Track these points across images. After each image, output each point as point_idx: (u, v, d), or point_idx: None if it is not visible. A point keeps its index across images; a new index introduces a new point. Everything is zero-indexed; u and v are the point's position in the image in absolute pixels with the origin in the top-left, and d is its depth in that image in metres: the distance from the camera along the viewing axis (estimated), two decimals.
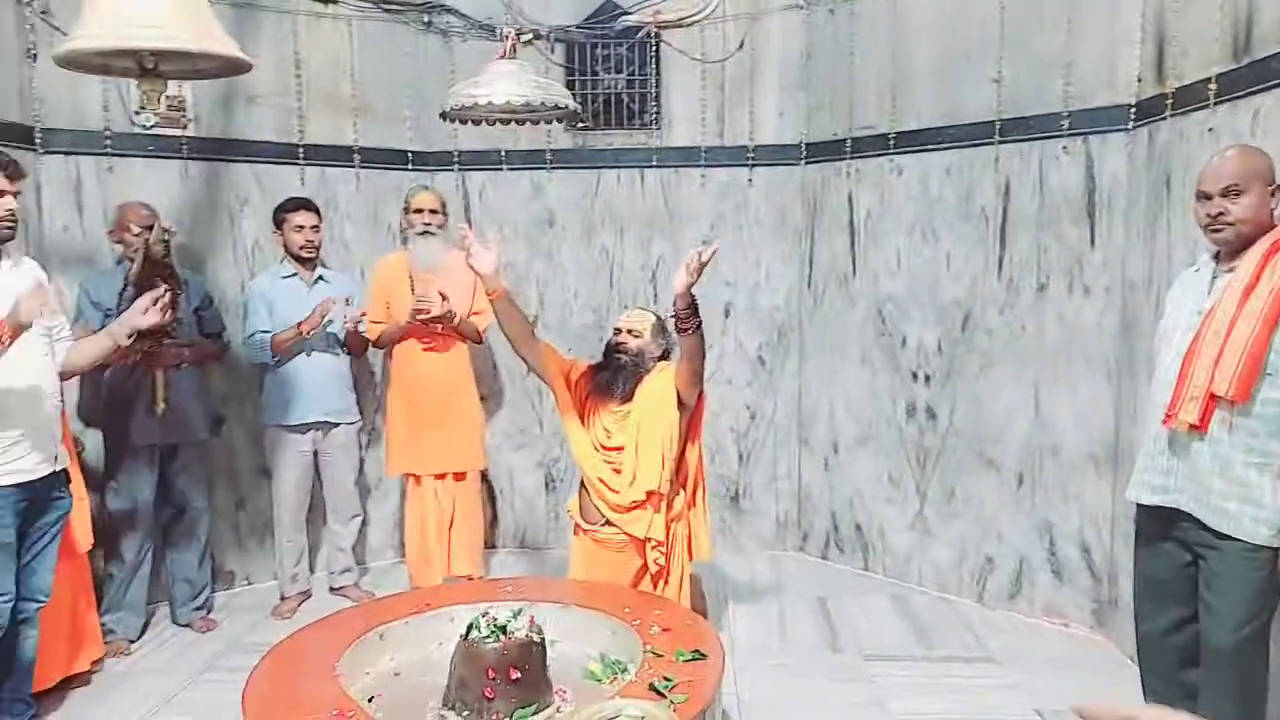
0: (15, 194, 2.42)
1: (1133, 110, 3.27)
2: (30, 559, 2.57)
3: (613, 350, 3.04)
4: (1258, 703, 2.23)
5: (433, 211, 3.70)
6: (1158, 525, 2.33)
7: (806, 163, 4.33)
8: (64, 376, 2.66)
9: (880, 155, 4.01)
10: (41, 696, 2.84)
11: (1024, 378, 3.63)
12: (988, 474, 3.77)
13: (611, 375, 3.00)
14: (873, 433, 4.15)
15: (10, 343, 2.34)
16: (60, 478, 2.61)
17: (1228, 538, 2.15)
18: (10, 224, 2.42)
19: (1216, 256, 2.28)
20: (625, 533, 2.97)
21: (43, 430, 2.52)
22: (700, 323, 2.84)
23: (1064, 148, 3.47)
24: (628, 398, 2.99)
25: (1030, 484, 3.64)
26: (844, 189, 4.17)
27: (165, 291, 2.69)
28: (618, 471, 2.98)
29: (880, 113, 3.99)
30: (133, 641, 3.42)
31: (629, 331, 3.03)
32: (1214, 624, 2.20)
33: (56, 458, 2.57)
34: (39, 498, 2.54)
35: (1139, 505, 2.39)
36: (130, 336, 2.58)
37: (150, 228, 3.19)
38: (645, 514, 2.95)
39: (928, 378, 3.94)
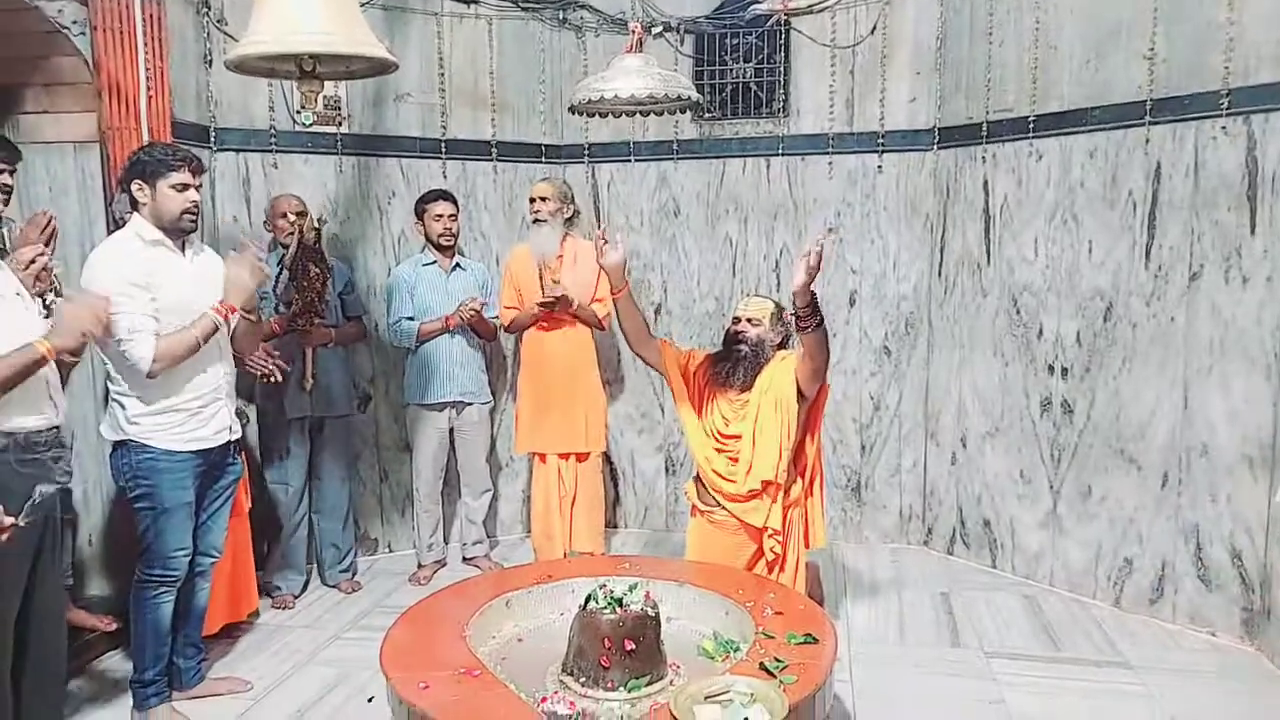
0: (198, 187, 2.69)
1: None
2: (206, 519, 2.85)
3: (732, 339, 3.07)
4: None
5: (543, 199, 3.81)
6: None
7: (939, 148, 4.21)
8: (236, 350, 2.93)
9: (1019, 139, 3.86)
10: (208, 642, 3.16)
11: (1171, 373, 3.43)
12: (1128, 473, 3.58)
13: (732, 365, 3.03)
14: (1004, 426, 4.02)
15: (232, 318, 2.67)
16: (234, 446, 2.89)
17: None
18: (194, 214, 2.69)
19: None
20: (740, 521, 3.01)
21: (221, 402, 2.80)
22: (821, 320, 2.82)
23: (1223, 128, 3.24)
24: (747, 387, 3.02)
25: (1175, 484, 3.44)
26: (979, 174, 4.04)
27: (314, 273, 2.94)
28: (734, 460, 3.01)
29: (1020, 95, 3.84)
30: (296, 597, 3.74)
31: (748, 320, 3.05)
32: None
33: (231, 428, 2.85)
34: (215, 464, 2.81)
35: None
36: (250, 310, 2.79)
37: (302, 215, 3.48)
38: (762, 504, 2.98)
39: (1065, 370, 3.77)
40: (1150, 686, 2.97)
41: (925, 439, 4.38)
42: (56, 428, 2.32)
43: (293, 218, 3.49)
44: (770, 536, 2.99)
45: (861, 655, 3.19)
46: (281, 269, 3.48)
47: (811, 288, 2.75)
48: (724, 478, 3.03)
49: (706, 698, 2.15)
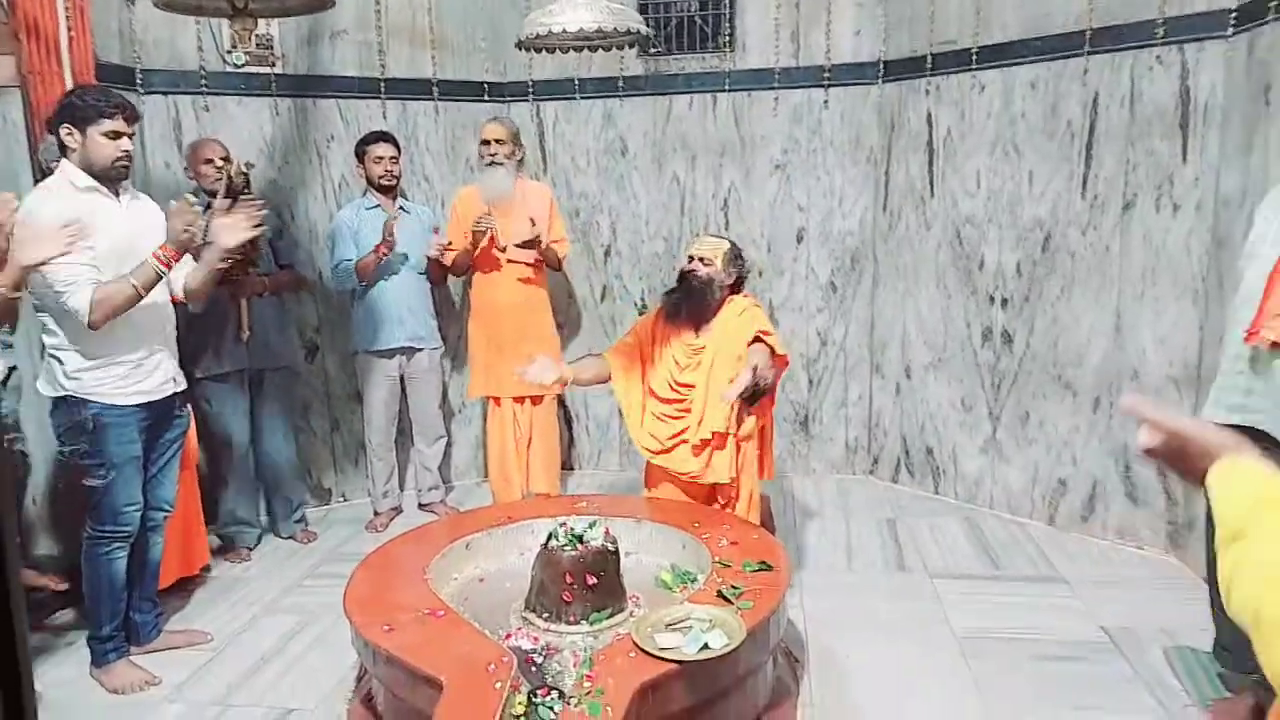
0: (131, 135, 2.59)
1: (1233, 16, 3.10)
2: (155, 472, 2.81)
3: (686, 279, 3.08)
4: None
5: (499, 142, 3.75)
6: None
7: (884, 81, 4.23)
8: (189, 299, 2.84)
9: (962, 71, 3.89)
10: (162, 596, 3.13)
11: (1106, 300, 3.55)
12: (1064, 398, 3.73)
13: (683, 297, 3.05)
14: (946, 357, 4.13)
15: (175, 263, 2.58)
16: (179, 398, 2.83)
17: None
18: (126, 163, 2.59)
19: None
20: (690, 478, 3.05)
21: (164, 353, 2.74)
22: (767, 387, 2.91)
23: (1157, 57, 3.31)
24: (701, 323, 3.04)
25: (1107, 407, 3.59)
26: (923, 107, 4.07)
27: (259, 207, 2.85)
28: (687, 410, 3.04)
29: (962, 27, 3.86)
30: (250, 549, 3.72)
31: (700, 259, 3.06)
32: None
33: (175, 379, 2.79)
34: (161, 416, 2.77)
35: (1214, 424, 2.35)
36: (225, 260, 2.75)
37: (227, 160, 3.35)
38: (713, 461, 3.00)
39: (1005, 301, 3.88)
40: (1083, 599, 3.14)
41: (870, 372, 4.49)
42: None
43: (218, 163, 3.36)
44: (720, 490, 3.05)
45: (812, 582, 3.31)
46: (211, 218, 3.37)
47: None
48: (664, 450, 3.05)
49: (667, 626, 2.22)
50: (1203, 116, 3.23)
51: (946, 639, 2.89)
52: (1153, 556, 3.47)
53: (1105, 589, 3.20)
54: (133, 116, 2.58)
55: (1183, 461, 0.99)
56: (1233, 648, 2.44)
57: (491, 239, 3.72)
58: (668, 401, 3.07)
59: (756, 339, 2.96)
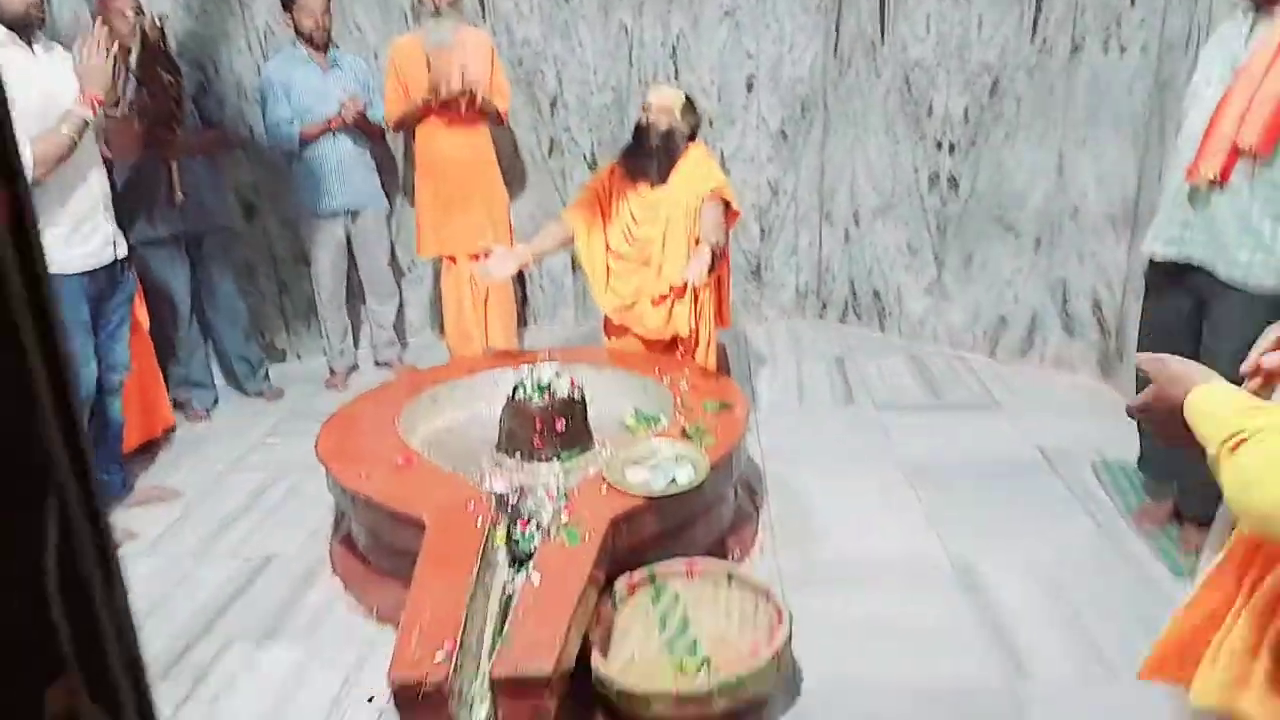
0: None
1: None
2: (105, 337, 2.76)
3: (642, 131, 3.03)
4: None
5: None
6: (1170, 277, 2.43)
7: None
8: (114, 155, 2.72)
9: None
10: (128, 459, 3.14)
11: (1049, 142, 3.61)
12: (1006, 239, 3.84)
13: (644, 158, 3.01)
14: (894, 203, 4.19)
15: (99, 109, 2.44)
16: (121, 264, 2.75)
17: (1235, 287, 2.25)
18: (40, 11, 2.43)
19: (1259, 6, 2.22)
20: (648, 334, 3.10)
21: (100, 214, 2.63)
22: (717, 253, 2.91)
23: None
24: (661, 180, 3.01)
25: (1048, 246, 3.72)
26: None
27: (165, 79, 2.70)
28: (646, 264, 3.05)
29: None
30: (209, 410, 3.71)
31: (658, 109, 3.01)
32: (1214, 366, 2.34)
33: (115, 243, 2.70)
34: (105, 283, 2.70)
35: (1152, 260, 2.47)
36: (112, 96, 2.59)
37: (139, 13, 3.13)
38: (675, 306, 3.04)
39: (952, 146, 3.91)
40: (1020, 423, 3.35)
41: (820, 219, 4.53)
42: None
43: (130, 16, 3.12)
44: (680, 343, 3.11)
45: (767, 420, 3.46)
46: (128, 77, 3.17)
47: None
48: (627, 308, 3.07)
49: (636, 463, 2.33)
50: None
51: (893, 465, 3.07)
52: (1085, 383, 3.69)
53: (1041, 414, 3.41)
54: None
55: (1161, 400, 1.00)
56: (1153, 458, 2.66)
57: (470, 100, 3.57)
58: (626, 258, 3.09)
59: (713, 194, 2.95)
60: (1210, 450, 0.88)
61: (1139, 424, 2.38)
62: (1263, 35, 2.16)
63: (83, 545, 0.41)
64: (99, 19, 3.23)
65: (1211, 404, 0.92)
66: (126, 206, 3.35)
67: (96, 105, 2.44)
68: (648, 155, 3.01)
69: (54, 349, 0.40)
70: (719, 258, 2.96)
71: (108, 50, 2.45)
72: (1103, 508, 2.76)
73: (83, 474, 0.41)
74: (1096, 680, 2.05)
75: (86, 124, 2.43)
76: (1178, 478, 2.55)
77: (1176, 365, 1.00)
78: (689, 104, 3.06)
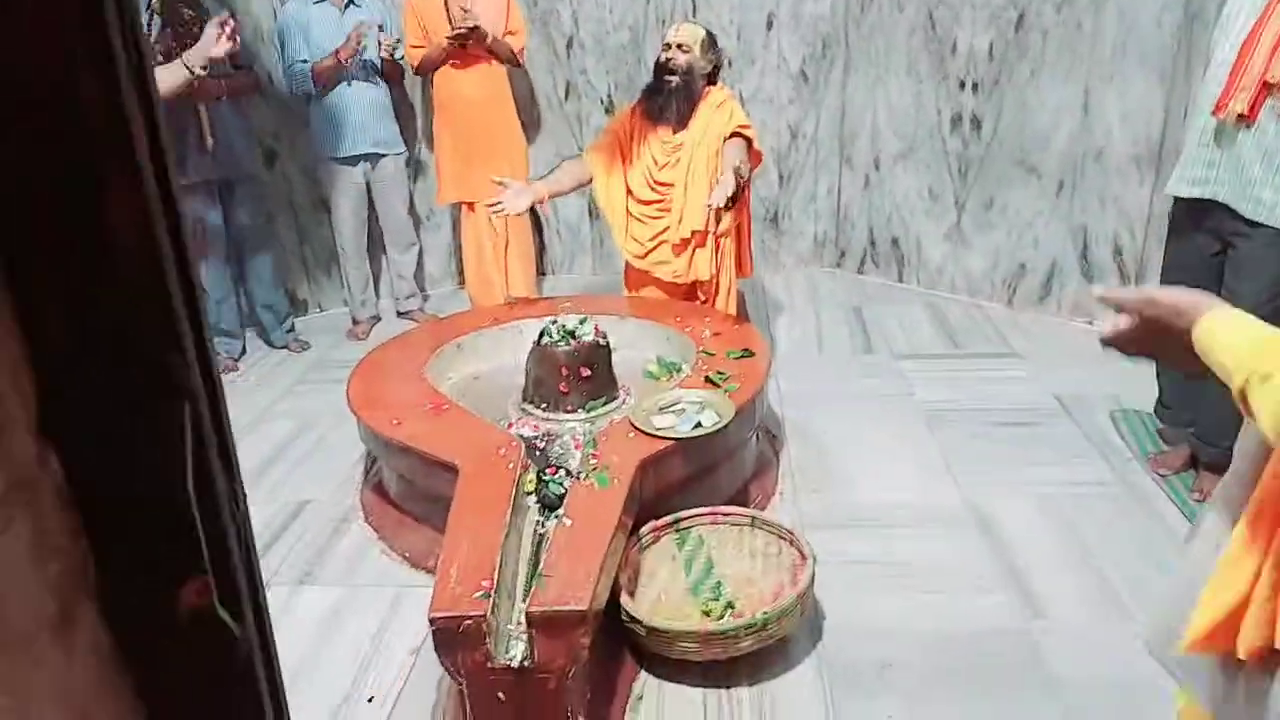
0: None
1: None
2: None
3: (663, 69, 3.00)
4: None
5: None
6: (1193, 217, 2.42)
7: None
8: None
9: None
10: None
11: (1075, 79, 3.56)
12: (1028, 182, 3.81)
13: (665, 98, 2.98)
14: (915, 145, 4.15)
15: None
16: None
17: (1259, 225, 2.24)
18: None
19: None
20: (673, 278, 3.11)
21: None
22: (743, 188, 2.87)
23: None
24: (682, 123, 2.99)
25: (1070, 189, 3.69)
26: None
27: (230, 17, 2.70)
28: (667, 210, 3.04)
29: None
30: (236, 359, 3.77)
31: (678, 47, 2.97)
32: (1235, 304, 2.35)
33: None
34: None
35: (1176, 199, 2.47)
36: (204, 67, 2.63)
37: None
38: (696, 253, 3.04)
39: (975, 86, 3.86)
40: (1036, 370, 3.38)
41: (840, 164, 4.50)
42: None
43: None
44: (701, 290, 3.12)
45: (785, 368, 3.49)
46: (151, 16, 3.16)
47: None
48: (647, 253, 3.07)
49: (661, 409, 2.37)
50: None
51: (912, 411, 3.11)
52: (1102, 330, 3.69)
53: (1058, 362, 3.43)
54: None
55: (1158, 332, 0.95)
56: (1172, 404, 2.68)
57: (477, 38, 3.53)
58: (648, 203, 3.08)
59: (734, 134, 2.94)
60: (1236, 380, 0.85)
61: (1156, 366, 2.40)
62: None
63: (211, 452, 0.44)
64: None
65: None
66: None
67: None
68: (668, 96, 2.99)
69: (187, 271, 0.42)
70: (742, 189, 2.94)
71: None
72: (1119, 454, 2.79)
73: (212, 386, 0.44)
74: (1110, 620, 2.11)
75: None
76: (1194, 425, 2.58)
77: (1177, 296, 0.95)
78: (710, 40, 3.02)
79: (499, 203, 3.01)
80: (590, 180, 3.13)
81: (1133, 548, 2.34)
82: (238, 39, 2.86)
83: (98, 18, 0.35)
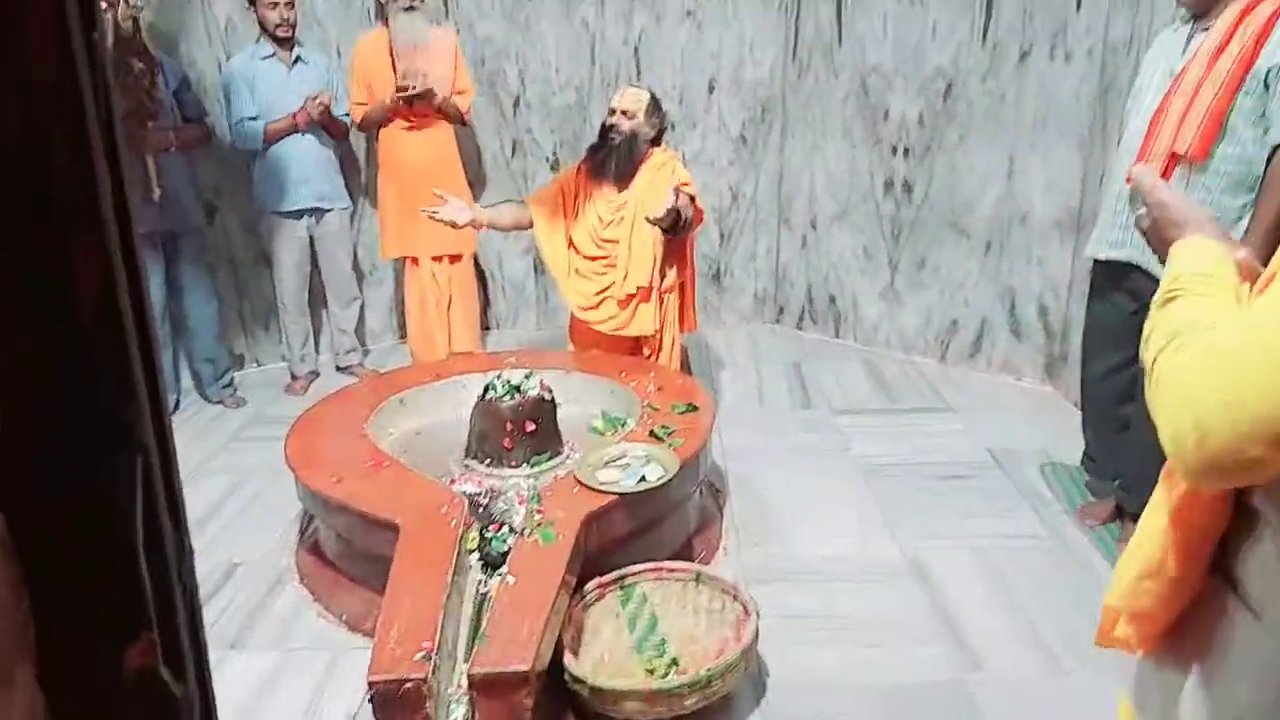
0: None
1: None
2: None
3: (607, 132, 3.08)
4: None
5: None
6: (1112, 278, 2.55)
7: None
8: None
9: None
10: None
11: (1000, 147, 3.74)
12: (958, 243, 3.96)
13: (606, 155, 3.05)
14: (850, 208, 4.29)
15: None
16: None
17: None
18: None
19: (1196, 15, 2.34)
20: (616, 333, 3.15)
21: None
22: (687, 221, 2.95)
23: None
24: (624, 181, 3.06)
25: (998, 251, 3.85)
26: None
27: (139, 69, 2.67)
28: (612, 266, 3.09)
29: None
30: (170, 415, 3.66)
31: (623, 112, 3.05)
32: None
33: None
34: None
35: (1095, 260, 2.60)
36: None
37: (111, 3, 3.09)
38: (640, 308, 3.09)
39: (907, 151, 4.03)
40: (969, 424, 3.47)
41: (778, 224, 4.62)
42: None
43: (104, 5, 3.09)
44: (645, 345, 3.17)
45: (727, 422, 3.52)
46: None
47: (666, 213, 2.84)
48: (591, 307, 3.12)
49: (606, 463, 2.38)
50: None
51: (849, 465, 3.17)
52: (1032, 387, 3.83)
53: (990, 416, 3.54)
54: None
55: (1160, 231, 1.00)
56: (1097, 457, 2.79)
57: (426, 98, 3.57)
58: (593, 259, 3.13)
59: (676, 191, 3.01)
60: (1159, 292, 0.89)
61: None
62: (1199, 44, 2.27)
63: (161, 507, 0.44)
64: None
65: (1185, 255, 0.92)
66: None
67: None
68: (615, 159, 3.06)
69: (145, 325, 0.43)
70: (684, 227, 2.99)
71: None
72: (1049, 506, 2.88)
73: (164, 438, 0.44)
74: (1044, 671, 2.15)
75: None
76: (1119, 477, 2.68)
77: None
78: (654, 104, 3.11)
79: (436, 211, 3.04)
80: (530, 224, 3.18)
81: (1065, 598, 2.40)
82: (150, 93, 2.88)
83: (72, 88, 0.37)
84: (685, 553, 2.54)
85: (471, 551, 2.11)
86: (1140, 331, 2.42)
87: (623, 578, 2.21)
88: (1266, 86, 2.15)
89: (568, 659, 1.92)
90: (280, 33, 3.56)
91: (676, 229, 2.93)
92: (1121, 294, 2.53)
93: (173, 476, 0.45)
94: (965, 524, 2.78)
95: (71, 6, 0.37)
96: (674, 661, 2.03)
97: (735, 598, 2.14)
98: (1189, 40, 2.33)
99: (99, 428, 0.41)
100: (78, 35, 0.37)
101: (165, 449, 0.44)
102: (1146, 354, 0.85)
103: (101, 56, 0.40)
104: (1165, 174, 2.31)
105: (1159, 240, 1.00)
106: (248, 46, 3.66)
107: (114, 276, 0.40)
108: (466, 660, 1.71)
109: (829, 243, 4.42)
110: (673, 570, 2.25)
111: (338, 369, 4.18)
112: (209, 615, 2.40)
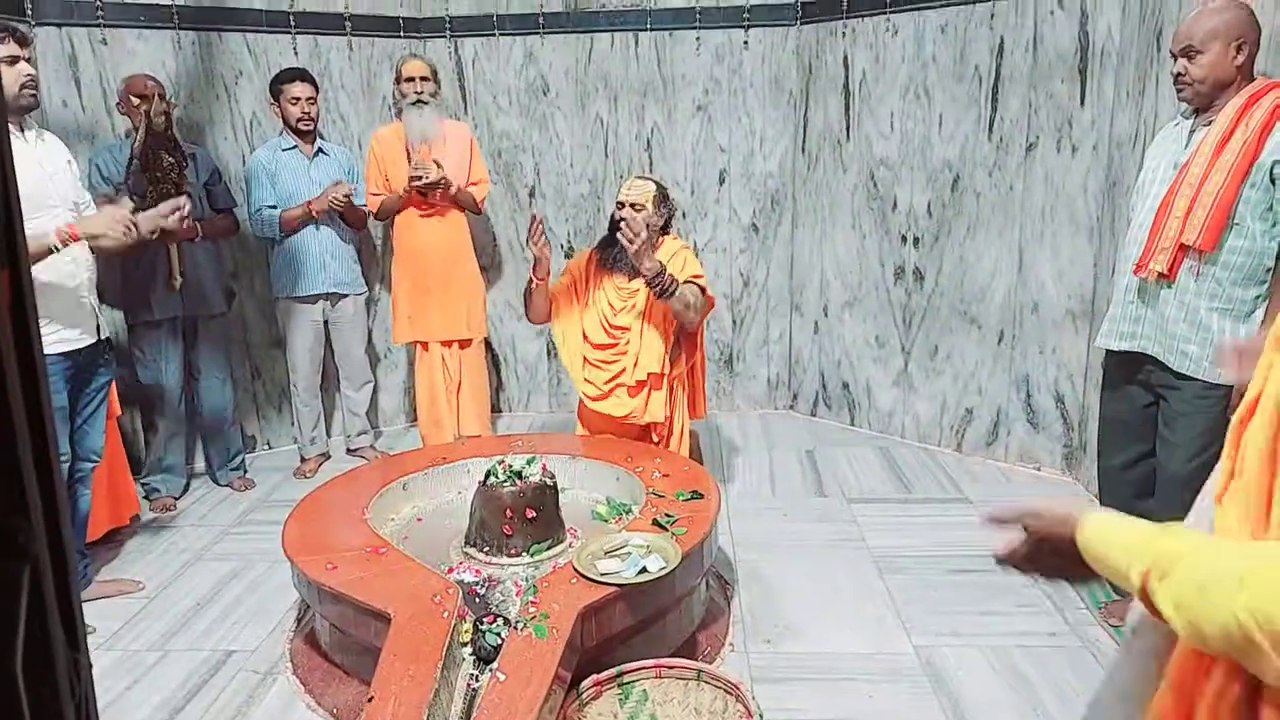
0: (29, 59, 2.45)
1: None
2: (82, 423, 2.73)
3: (616, 225, 3.12)
4: None
5: (424, 79, 3.69)
6: (1124, 369, 2.51)
7: (802, 23, 4.29)
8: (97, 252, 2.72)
9: (876, 14, 3.98)
10: (91, 548, 3.08)
11: (1009, 238, 3.75)
12: (970, 332, 3.94)
13: (618, 251, 3.08)
14: (861, 295, 4.30)
15: (73, 245, 2.46)
16: (103, 346, 2.74)
17: (1187, 378, 2.32)
18: (32, 91, 2.47)
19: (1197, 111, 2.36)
20: (626, 420, 3.14)
21: (82, 301, 2.64)
22: (674, 284, 2.93)
23: (1059, 2, 3.46)
24: (636, 272, 3.09)
25: (1010, 340, 3.82)
26: (839, 50, 4.16)
27: (185, 203, 2.77)
28: (623, 353, 3.10)
29: None
30: (176, 499, 3.66)
31: (631, 205, 3.10)
32: (1171, 456, 2.40)
33: (99, 327, 2.70)
34: (85, 366, 2.68)
35: (1108, 351, 2.56)
36: (153, 234, 2.66)
37: (146, 98, 3.22)
38: (651, 395, 3.09)
39: (916, 240, 4.05)
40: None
41: (790, 311, 4.63)
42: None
43: (136, 101, 3.22)
44: (655, 431, 3.15)
45: (738, 509, 3.46)
46: (132, 158, 3.23)
47: (647, 265, 2.87)
48: (602, 397, 3.12)
49: (606, 553, 2.32)
50: (1100, 60, 3.41)
51: (864, 557, 3.08)
52: (1050, 476, 3.74)
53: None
54: (24, 40, 2.46)
55: (1048, 542, 0.95)
56: None
57: (442, 188, 3.66)
58: (603, 346, 3.13)
59: (686, 283, 3.03)
60: (1134, 579, 0.83)
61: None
62: (1201, 138, 2.28)
63: (52, 620, 0.41)
64: (119, 104, 3.35)
65: (1115, 534, 0.89)
66: (126, 286, 3.42)
67: (71, 240, 2.43)
68: (622, 250, 3.08)
69: (43, 436, 0.41)
70: (670, 291, 2.95)
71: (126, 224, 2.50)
72: (1069, 603, 2.77)
73: (61, 553, 0.41)
74: None
75: (49, 252, 2.40)
76: None
77: (1056, 504, 0.97)
78: (661, 194, 3.14)
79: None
80: (547, 318, 3.19)
81: (1086, 702, 2.28)
82: (179, 185, 3.01)
83: None
84: (690, 648, 2.46)
85: (464, 644, 2.04)
86: (1155, 423, 2.35)
87: (621, 675, 2.13)
88: (1273, 180, 2.15)
89: None
90: (302, 126, 3.68)
91: (663, 293, 2.93)
92: (1135, 386, 2.48)
93: (70, 591, 0.42)
94: (983, 621, 2.67)
95: None
96: None
97: (738, 698, 2.05)
98: (1191, 134, 2.35)
99: None
100: None
101: (62, 564, 0.42)
102: (1219, 622, 0.75)
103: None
104: (1174, 264, 2.30)
105: (1055, 548, 0.94)
106: (271, 139, 3.79)
107: (6, 390, 0.39)
108: None
109: (841, 329, 4.41)
110: (673, 668, 2.17)
111: (348, 451, 4.17)
112: (197, 706, 2.34)
